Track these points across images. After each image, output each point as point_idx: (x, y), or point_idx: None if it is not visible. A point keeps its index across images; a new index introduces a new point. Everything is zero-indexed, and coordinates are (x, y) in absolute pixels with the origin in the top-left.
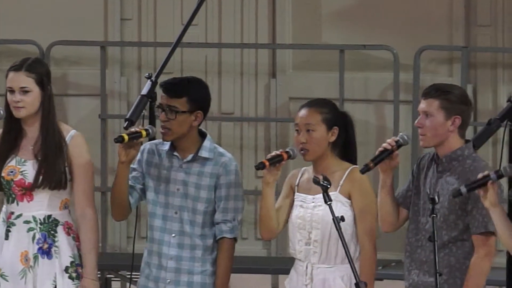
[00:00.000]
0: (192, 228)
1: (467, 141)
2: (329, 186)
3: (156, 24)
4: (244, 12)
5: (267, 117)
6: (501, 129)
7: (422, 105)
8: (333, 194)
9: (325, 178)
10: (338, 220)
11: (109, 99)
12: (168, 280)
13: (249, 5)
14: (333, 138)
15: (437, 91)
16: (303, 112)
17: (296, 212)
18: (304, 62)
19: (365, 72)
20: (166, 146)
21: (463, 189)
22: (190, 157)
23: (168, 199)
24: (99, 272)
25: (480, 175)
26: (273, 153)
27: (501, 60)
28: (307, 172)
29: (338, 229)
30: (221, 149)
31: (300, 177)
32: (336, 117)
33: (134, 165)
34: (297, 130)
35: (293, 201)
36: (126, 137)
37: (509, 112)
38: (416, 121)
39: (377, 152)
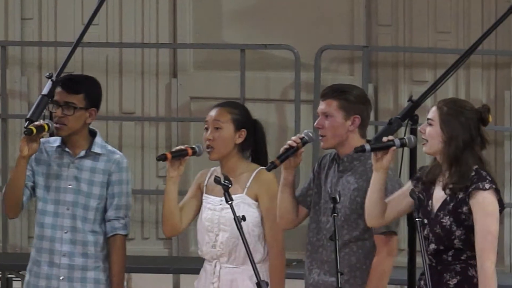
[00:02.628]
0: (84, 224)
1: (367, 141)
2: (230, 186)
3: (56, 23)
4: (144, 12)
5: (168, 116)
6: (402, 129)
7: (321, 106)
8: (240, 196)
9: (226, 178)
10: (239, 220)
11: (10, 98)
12: (62, 277)
13: (149, 4)
14: (239, 140)
15: (335, 92)
16: (214, 110)
17: (205, 214)
18: (205, 61)
19: (266, 72)
20: (55, 143)
21: (367, 147)
22: (82, 153)
23: (59, 196)
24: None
25: (385, 139)
26: (178, 147)
27: (402, 60)
28: (216, 173)
29: (239, 228)
30: (111, 147)
31: (209, 178)
32: (246, 120)
33: None
34: (206, 128)
35: (200, 201)
36: (34, 130)
37: (410, 111)
38: (315, 122)
39: (282, 150)
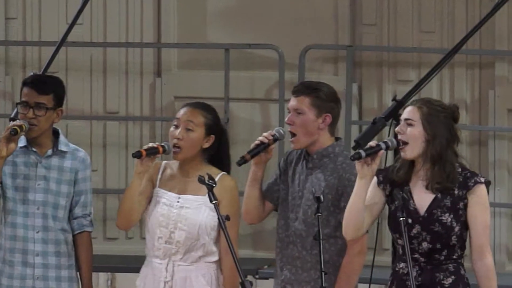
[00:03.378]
0: (55, 223)
1: (337, 139)
2: (214, 186)
3: (41, 23)
4: (129, 11)
5: (152, 116)
6: (386, 128)
7: (293, 102)
8: (202, 198)
9: (210, 177)
10: (223, 219)
11: None
12: (36, 277)
13: (134, 4)
14: (207, 145)
15: (307, 89)
16: (187, 109)
17: (159, 209)
18: (190, 61)
19: (251, 71)
20: (20, 143)
21: (363, 153)
22: (50, 152)
23: (28, 196)
24: None
25: (372, 143)
26: (150, 145)
27: (386, 59)
28: (170, 167)
29: (224, 228)
30: (73, 145)
31: (162, 172)
32: (216, 127)
33: None
34: (175, 125)
35: (151, 193)
36: (19, 130)
37: (394, 111)
38: (286, 118)
39: (253, 145)
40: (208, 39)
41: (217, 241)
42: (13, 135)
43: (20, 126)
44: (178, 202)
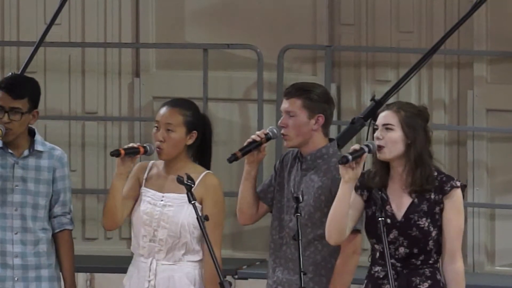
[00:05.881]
0: (34, 223)
1: (330, 140)
2: (193, 186)
3: (19, 23)
4: (107, 11)
5: (130, 116)
6: (365, 128)
7: (285, 105)
8: (185, 196)
9: (189, 177)
10: (202, 220)
11: None
12: (16, 278)
13: (112, 4)
14: (190, 141)
15: (298, 90)
16: (165, 110)
17: (143, 207)
18: (168, 61)
19: (229, 71)
20: None
21: (349, 157)
22: (26, 152)
23: (5, 197)
24: None
25: (356, 147)
26: (131, 145)
27: (365, 59)
28: (156, 167)
29: (203, 228)
30: (49, 144)
31: (149, 171)
32: (197, 121)
33: None
34: (156, 126)
35: (138, 193)
36: None
37: (372, 111)
38: (279, 121)
39: (246, 143)
40: (187, 39)
41: (200, 240)
42: None
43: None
44: (161, 200)
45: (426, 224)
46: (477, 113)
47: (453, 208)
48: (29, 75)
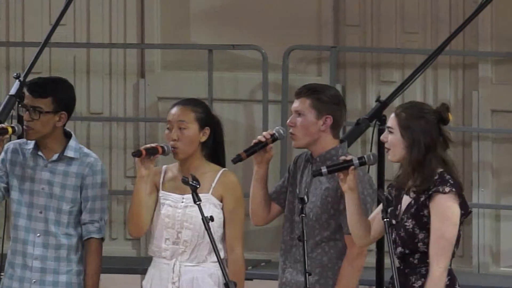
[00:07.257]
0: (57, 228)
1: (341, 141)
2: (198, 186)
3: (24, 23)
4: (112, 12)
5: (136, 117)
6: (370, 129)
7: (295, 104)
8: (206, 195)
9: (194, 178)
10: (207, 220)
11: None
12: (34, 280)
13: (117, 5)
14: (204, 138)
15: (309, 91)
16: (176, 109)
17: (164, 210)
18: (173, 62)
19: (234, 72)
20: (31, 145)
21: (324, 170)
22: (55, 156)
23: (32, 199)
24: None
25: (342, 158)
26: (149, 145)
27: (370, 60)
28: (170, 170)
29: (208, 229)
30: (86, 150)
31: (164, 175)
32: (208, 118)
33: None
34: (168, 128)
35: (157, 198)
36: (11, 130)
37: (377, 112)
38: (288, 120)
39: (252, 144)
40: (192, 40)
41: (223, 239)
42: None
43: (2, 129)
44: (182, 202)
45: (411, 226)
46: (482, 114)
47: (435, 213)
48: (34, 76)
